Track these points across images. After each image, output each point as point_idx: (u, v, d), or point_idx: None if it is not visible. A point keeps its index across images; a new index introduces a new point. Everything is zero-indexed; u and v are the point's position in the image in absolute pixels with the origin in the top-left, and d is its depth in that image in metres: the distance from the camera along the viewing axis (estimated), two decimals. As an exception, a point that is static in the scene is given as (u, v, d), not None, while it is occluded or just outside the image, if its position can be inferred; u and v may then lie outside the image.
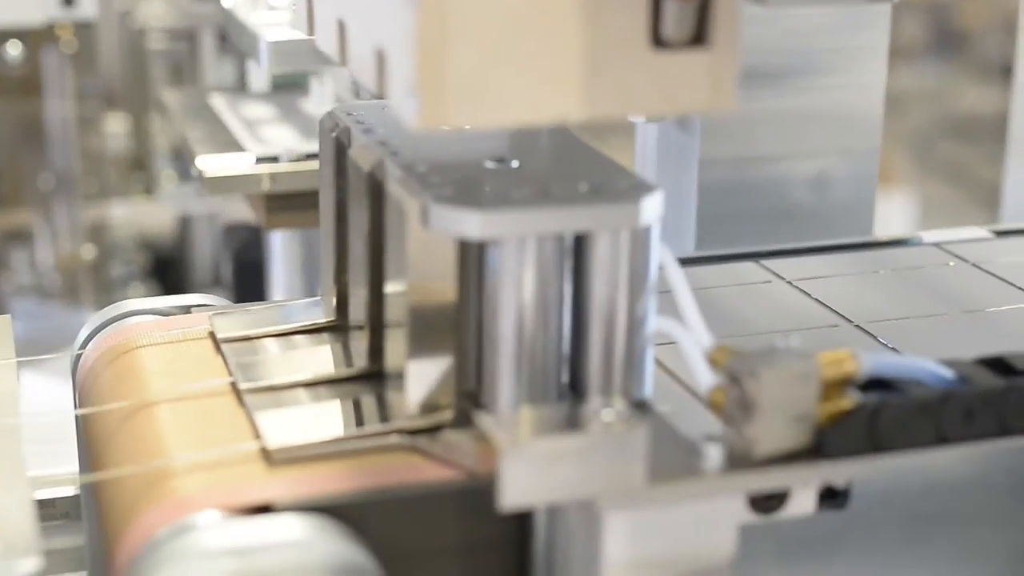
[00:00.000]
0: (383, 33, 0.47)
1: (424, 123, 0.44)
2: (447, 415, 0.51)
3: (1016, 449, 0.51)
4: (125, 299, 0.65)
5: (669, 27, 0.45)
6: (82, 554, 0.65)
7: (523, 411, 0.48)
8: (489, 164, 0.52)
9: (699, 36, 0.45)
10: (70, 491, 0.68)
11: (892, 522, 0.50)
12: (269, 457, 0.50)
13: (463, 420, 0.50)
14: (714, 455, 0.47)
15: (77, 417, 0.61)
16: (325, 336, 0.59)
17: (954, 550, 0.51)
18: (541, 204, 0.48)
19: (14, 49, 1.35)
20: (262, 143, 0.95)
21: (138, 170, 1.47)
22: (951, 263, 0.67)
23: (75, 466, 0.64)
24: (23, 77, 1.37)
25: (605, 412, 0.47)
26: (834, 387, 0.47)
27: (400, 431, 0.51)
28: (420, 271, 0.50)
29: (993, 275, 0.65)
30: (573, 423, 0.47)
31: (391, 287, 0.53)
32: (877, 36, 0.76)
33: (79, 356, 0.62)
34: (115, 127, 1.52)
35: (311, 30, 0.57)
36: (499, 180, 0.50)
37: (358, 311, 0.57)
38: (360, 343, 0.56)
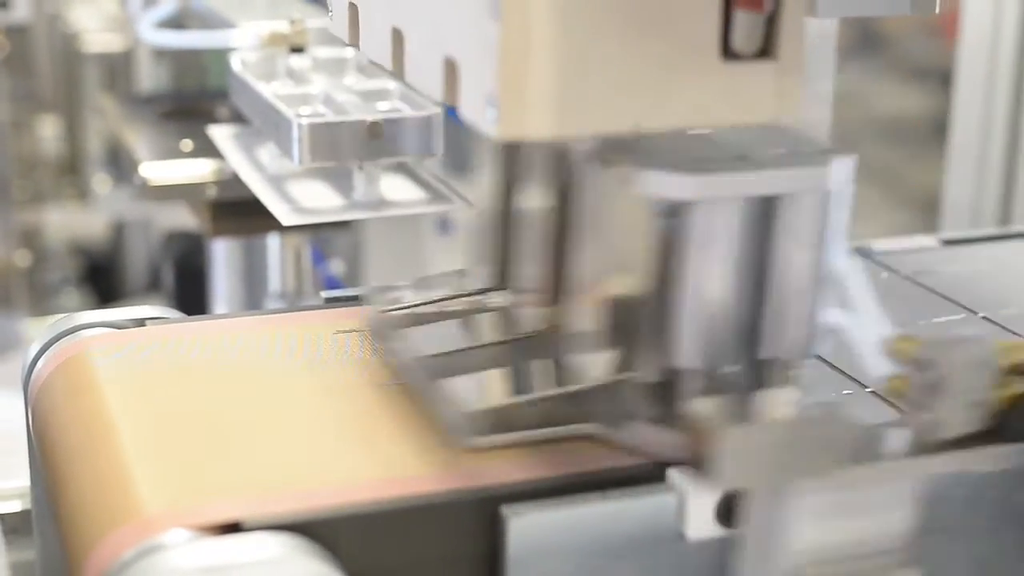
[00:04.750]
0: (454, 42, 0.47)
1: (503, 133, 0.44)
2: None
3: (1004, 459, 0.51)
4: (59, 306, 0.64)
5: (739, 38, 0.47)
6: (32, 570, 0.65)
7: (727, 398, 0.50)
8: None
9: (766, 48, 0.47)
10: (17, 506, 0.67)
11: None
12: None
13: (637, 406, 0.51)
14: (897, 439, 0.49)
15: (30, 432, 0.60)
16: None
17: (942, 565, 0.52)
18: (740, 169, 0.49)
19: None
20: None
21: (71, 174, 1.45)
22: None
23: (25, 480, 0.63)
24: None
25: (800, 399, 0.50)
26: (1008, 374, 0.51)
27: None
28: (621, 239, 0.50)
29: None
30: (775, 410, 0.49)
31: (583, 257, 0.53)
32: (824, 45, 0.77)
33: (31, 370, 0.61)
34: (48, 130, 1.50)
35: (355, 39, 0.57)
36: (695, 146, 0.51)
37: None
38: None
